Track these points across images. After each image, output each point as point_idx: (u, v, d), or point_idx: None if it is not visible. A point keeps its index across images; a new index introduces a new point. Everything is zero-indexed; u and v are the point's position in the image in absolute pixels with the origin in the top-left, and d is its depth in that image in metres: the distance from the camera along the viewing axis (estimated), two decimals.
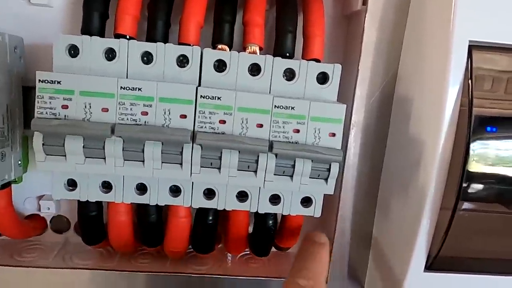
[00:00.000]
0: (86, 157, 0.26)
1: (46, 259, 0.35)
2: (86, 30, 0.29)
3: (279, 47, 0.31)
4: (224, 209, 0.31)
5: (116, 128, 0.25)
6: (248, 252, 0.39)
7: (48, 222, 0.38)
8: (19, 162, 0.33)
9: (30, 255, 0.36)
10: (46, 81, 0.25)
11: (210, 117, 0.26)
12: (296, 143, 0.27)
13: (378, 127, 0.33)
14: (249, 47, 0.31)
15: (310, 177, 0.28)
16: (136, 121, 0.26)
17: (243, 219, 0.33)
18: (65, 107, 0.25)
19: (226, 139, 0.26)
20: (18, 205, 0.34)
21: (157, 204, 0.31)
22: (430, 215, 0.27)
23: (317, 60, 0.30)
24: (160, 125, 0.26)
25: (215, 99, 0.26)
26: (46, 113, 0.25)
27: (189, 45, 0.29)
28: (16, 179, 0.33)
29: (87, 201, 0.30)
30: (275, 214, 0.34)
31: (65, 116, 0.25)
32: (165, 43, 0.29)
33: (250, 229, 0.35)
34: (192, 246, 0.35)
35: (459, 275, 0.29)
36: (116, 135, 0.25)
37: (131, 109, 0.26)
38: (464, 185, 0.26)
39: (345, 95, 0.32)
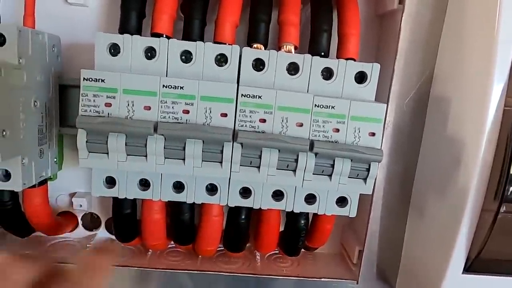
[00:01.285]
0: (128, 155, 0.26)
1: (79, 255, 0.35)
2: (124, 29, 0.30)
3: (315, 46, 0.31)
4: (258, 208, 0.31)
5: (159, 126, 0.25)
6: (277, 252, 0.39)
7: (79, 220, 0.38)
8: (55, 160, 0.33)
9: (63, 251, 0.36)
10: (91, 79, 0.25)
11: (250, 116, 0.26)
12: (336, 142, 0.27)
13: (412, 127, 0.33)
14: (285, 46, 0.31)
15: (349, 177, 0.27)
16: (177, 119, 0.26)
17: (276, 218, 0.33)
18: (108, 105, 0.26)
19: (267, 137, 0.26)
20: (51, 202, 0.34)
21: (191, 203, 0.32)
22: (470, 216, 0.27)
23: (353, 60, 0.30)
24: (201, 124, 0.26)
25: (256, 97, 0.26)
26: (90, 110, 0.26)
27: (226, 44, 0.29)
28: (52, 176, 0.34)
29: (123, 199, 0.31)
30: (307, 214, 0.33)
31: (108, 114, 0.26)
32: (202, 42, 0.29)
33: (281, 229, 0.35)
34: (223, 245, 0.36)
35: (498, 277, 0.29)
36: (158, 133, 0.25)
37: (173, 107, 0.26)
38: (507, 187, 0.26)
39: (379, 95, 0.31)
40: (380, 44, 0.35)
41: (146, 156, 0.26)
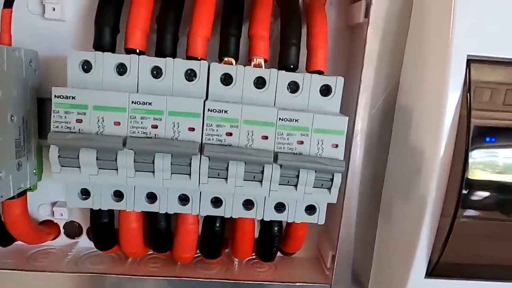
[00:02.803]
0: (99, 169, 0.27)
1: (60, 263, 0.36)
2: (98, 44, 0.30)
3: (284, 59, 0.32)
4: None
5: (128, 141, 0.26)
6: (255, 257, 0.40)
7: (61, 228, 0.39)
8: (34, 171, 0.34)
9: (45, 259, 0.37)
10: (62, 97, 0.26)
11: (217, 130, 0.27)
12: (300, 154, 0.28)
13: (381, 136, 0.34)
14: (255, 59, 0.32)
15: (314, 187, 0.28)
16: (146, 134, 0.27)
17: (249, 225, 0.34)
18: (79, 121, 0.27)
19: (233, 151, 0.27)
20: (32, 212, 0.35)
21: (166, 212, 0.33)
22: (430, 222, 0.28)
23: (321, 72, 0.31)
24: (170, 138, 0.27)
25: (222, 112, 0.27)
26: (62, 126, 0.26)
27: (197, 58, 0.30)
28: (31, 187, 0.34)
29: (100, 209, 0.32)
30: (281, 221, 0.35)
31: (79, 129, 0.27)
32: (173, 56, 0.30)
33: (256, 234, 0.36)
34: (200, 252, 0.36)
35: (459, 281, 0.30)
36: (127, 148, 0.26)
37: (141, 122, 0.27)
38: (464, 192, 0.27)
39: (349, 104, 0.33)
40: (351, 55, 0.37)
41: (117, 169, 0.27)
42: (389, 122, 0.34)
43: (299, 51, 0.33)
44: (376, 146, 0.34)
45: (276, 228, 0.34)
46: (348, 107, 0.32)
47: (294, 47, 0.32)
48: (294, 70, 0.31)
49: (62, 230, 0.39)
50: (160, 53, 0.30)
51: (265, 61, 0.32)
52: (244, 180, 0.28)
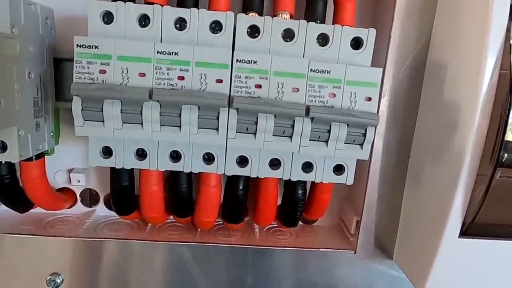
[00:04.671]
0: (124, 122, 0.26)
1: (78, 230, 0.36)
2: None
3: (310, 14, 0.31)
4: (254, 179, 0.31)
5: (154, 92, 0.25)
6: (275, 225, 0.40)
7: (78, 196, 0.38)
8: (52, 134, 0.33)
9: (62, 226, 0.36)
10: (84, 46, 0.25)
11: (246, 82, 0.26)
12: (332, 107, 0.27)
13: (409, 95, 0.33)
14: (280, 14, 0.30)
15: (345, 142, 0.27)
16: (173, 86, 0.26)
17: (274, 189, 0.33)
18: (102, 72, 0.25)
19: (263, 102, 0.26)
20: (49, 178, 0.34)
21: (188, 174, 0.32)
22: (466, 181, 0.27)
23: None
24: (197, 90, 0.26)
25: (251, 63, 0.26)
26: (85, 78, 0.25)
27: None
28: (49, 151, 0.34)
29: (120, 171, 0.31)
30: (305, 185, 0.34)
31: (103, 80, 0.26)
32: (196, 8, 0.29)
33: (279, 202, 0.35)
34: (222, 217, 0.36)
35: (493, 241, 0.29)
36: (154, 99, 0.25)
37: (167, 73, 0.26)
38: (502, 152, 0.26)
39: (376, 63, 0.31)
40: (377, 12, 0.35)
41: (142, 123, 0.26)
42: (418, 80, 0.33)
43: (326, 6, 0.31)
44: (403, 106, 0.33)
45: (300, 192, 0.33)
46: (375, 66, 0.30)
47: (321, 1, 0.31)
48: None
49: (79, 198, 0.38)
50: (182, 7, 0.29)
51: (291, 16, 0.31)
52: (273, 135, 0.27)
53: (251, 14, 0.30)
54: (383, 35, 0.32)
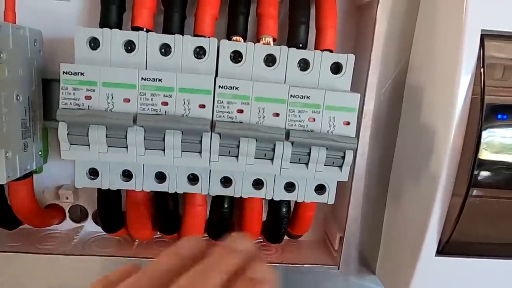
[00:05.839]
0: (109, 146, 0.27)
1: (66, 247, 0.36)
2: (105, 23, 0.30)
3: (293, 38, 0.32)
4: (239, 197, 0.32)
5: (138, 118, 0.26)
6: (261, 240, 0.40)
7: (67, 212, 0.39)
8: (40, 153, 0.34)
9: (51, 243, 0.37)
10: (70, 73, 0.26)
11: (228, 107, 0.27)
12: (311, 131, 0.28)
13: (389, 116, 0.34)
14: (263, 38, 0.31)
15: (325, 165, 0.28)
16: (156, 111, 0.27)
17: (258, 206, 0.34)
18: (88, 98, 0.26)
19: (244, 127, 0.26)
20: (38, 195, 0.35)
21: (174, 193, 0.32)
22: (442, 201, 0.28)
23: (330, 51, 0.31)
24: (180, 115, 0.27)
25: (233, 89, 0.27)
26: (70, 103, 0.26)
27: (205, 37, 0.29)
28: (37, 169, 0.34)
29: (107, 190, 0.31)
30: (289, 202, 0.34)
31: (88, 106, 0.26)
32: (181, 35, 0.29)
33: (264, 217, 0.36)
34: (207, 234, 0.36)
35: (470, 259, 0.30)
36: (138, 125, 0.26)
37: (152, 99, 0.26)
38: (476, 172, 0.27)
39: (357, 85, 0.32)
40: (359, 35, 0.36)
41: (126, 147, 0.27)
42: (398, 102, 0.34)
43: (308, 30, 0.32)
44: (384, 127, 0.34)
45: (284, 209, 0.34)
46: (355, 88, 0.31)
47: (303, 26, 0.32)
48: (303, 49, 0.31)
49: (67, 214, 0.39)
50: (167, 33, 0.30)
51: (274, 40, 0.32)
52: (255, 158, 0.28)
53: (235, 38, 0.31)
54: (364, 58, 0.33)
